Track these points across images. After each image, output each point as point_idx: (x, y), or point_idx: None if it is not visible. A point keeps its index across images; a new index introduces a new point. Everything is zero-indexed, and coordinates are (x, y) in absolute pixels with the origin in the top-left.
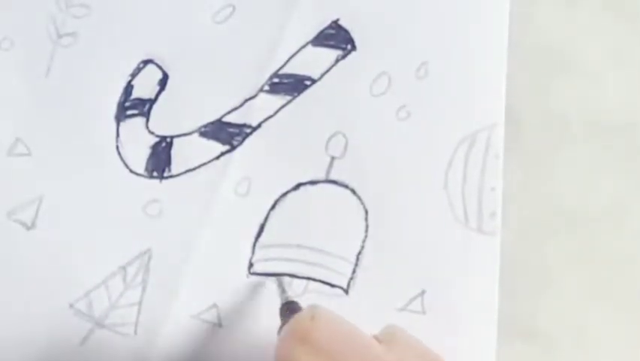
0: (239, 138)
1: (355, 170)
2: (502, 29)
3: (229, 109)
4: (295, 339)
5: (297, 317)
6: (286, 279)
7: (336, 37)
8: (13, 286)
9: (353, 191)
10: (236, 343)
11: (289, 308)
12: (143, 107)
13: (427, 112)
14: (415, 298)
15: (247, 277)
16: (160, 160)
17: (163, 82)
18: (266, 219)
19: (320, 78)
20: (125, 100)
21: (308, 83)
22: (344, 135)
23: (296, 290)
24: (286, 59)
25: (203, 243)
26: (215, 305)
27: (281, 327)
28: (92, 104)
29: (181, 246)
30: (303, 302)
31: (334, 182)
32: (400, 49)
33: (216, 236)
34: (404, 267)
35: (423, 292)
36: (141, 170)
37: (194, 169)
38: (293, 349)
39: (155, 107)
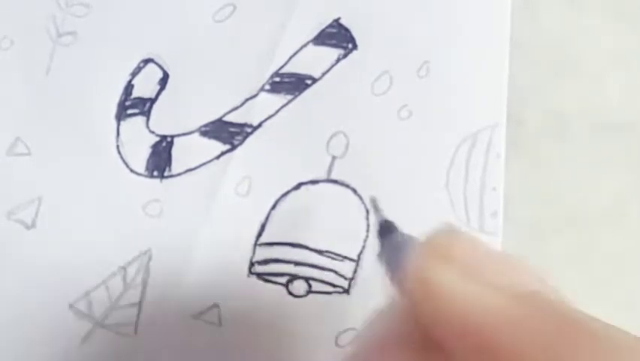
0: (239, 138)
1: (356, 169)
2: (504, 29)
3: (230, 108)
4: (436, 257)
5: (435, 234)
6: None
7: (337, 36)
8: (13, 286)
9: (354, 190)
10: (236, 343)
11: (388, 228)
12: (144, 106)
13: (428, 111)
14: None
15: (248, 276)
16: (161, 159)
17: (163, 81)
18: (267, 218)
19: (321, 77)
20: (126, 99)
21: (309, 82)
22: (345, 135)
23: (298, 290)
24: (287, 58)
25: (204, 243)
26: (216, 305)
27: (382, 251)
28: (93, 102)
29: (181, 246)
30: (306, 302)
31: (335, 181)
32: (402, 48)
33: (217, 236)
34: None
35: None
36: (142, 169)
37: (194, 169)
38: (435, 269)
39: (155, 106)
